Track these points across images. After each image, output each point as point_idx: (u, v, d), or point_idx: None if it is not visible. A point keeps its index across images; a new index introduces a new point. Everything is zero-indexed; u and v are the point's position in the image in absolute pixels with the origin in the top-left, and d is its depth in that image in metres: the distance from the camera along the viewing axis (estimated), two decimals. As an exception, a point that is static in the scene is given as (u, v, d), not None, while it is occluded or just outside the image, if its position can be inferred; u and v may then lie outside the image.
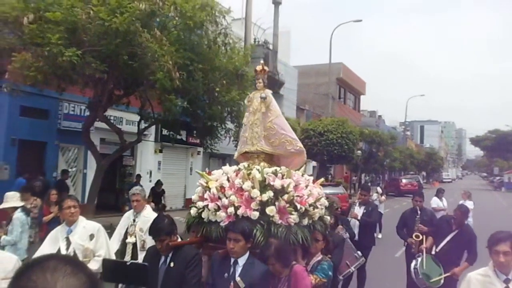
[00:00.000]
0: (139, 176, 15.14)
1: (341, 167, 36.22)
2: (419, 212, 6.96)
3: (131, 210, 5.40)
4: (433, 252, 5.99)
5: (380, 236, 14.68)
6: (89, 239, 4.46)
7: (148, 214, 5.06)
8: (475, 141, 75.11)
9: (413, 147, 66.29)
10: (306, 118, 30.78)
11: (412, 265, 5.83)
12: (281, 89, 23.28)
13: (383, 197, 16.07)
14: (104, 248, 4.54)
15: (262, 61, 4.81)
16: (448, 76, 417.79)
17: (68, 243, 4.40)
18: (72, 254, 4.29)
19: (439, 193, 12.30)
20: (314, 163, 30.22)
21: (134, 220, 5.21)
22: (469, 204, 13.01)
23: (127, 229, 5.21)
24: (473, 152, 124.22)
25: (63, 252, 4.32)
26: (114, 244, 5.17)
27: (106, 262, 3.88)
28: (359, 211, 7.46)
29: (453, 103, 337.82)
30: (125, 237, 5.18)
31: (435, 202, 12.26)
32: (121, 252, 5.11)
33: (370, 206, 7.81)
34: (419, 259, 5.85)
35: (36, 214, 8.78)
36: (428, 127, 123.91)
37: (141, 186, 14.37)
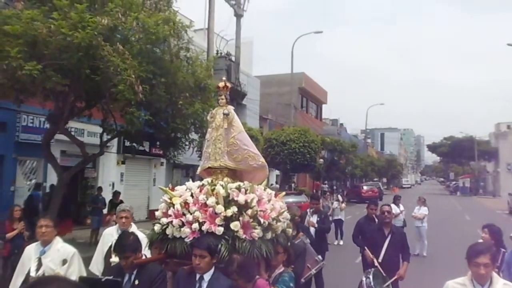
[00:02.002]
0: (100, 189, 14.93)
1: (304, 176, 36.79)
2: (376, 220, 7.32)
3: (114, 227, 5.26)
4: (376, 264, 6.07)
5: (341, 242, 15.12)
6: (61, 264, 4.28)
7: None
8: (432, 148, 77.80)
9: (373, 154, 68.09)
10: (269, 127, 31.15)
11: (365, 281, 5.74)
12: (244, 100, 23.55)
13: (344, 205, 16.55)
14: (75, 275, 4.31)
15: (224, 78, 4.91)
16: (407, 85, 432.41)
17: (39, 264, 4.25)
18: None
19: (396, 200, 12.83)
20: (277, 172, 30.57)
21: None
22: (424, 210, 13.66)
23: (110, 247, 4.92)
24: (431, 158, 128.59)
25: (32, 274, 4.20)
26: (99, 263, 5.04)
27: (81, 278, 3.88)
28: (313, 219, 7.84)
29: (412, 111, 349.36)
30: (109, 255, 4.93)
31: (392, 209, 12.77)
32: (106, 271, 4.76)
33: (322, 214, 8.40)
34: (371, 276, 5.82)
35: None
36: (388, 134, 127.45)
37: (103, 198, 14.29)
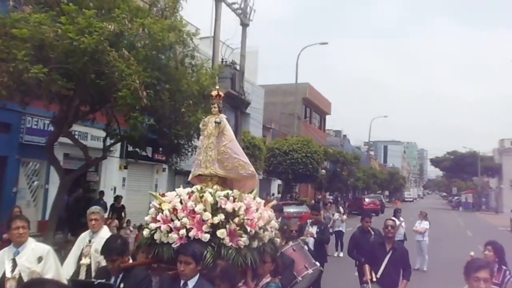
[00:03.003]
0: (102, 193, 14.98)
1: (306, 186, 36.74)
2: (372, 232, 7.30)
3: (88, 231, 5.26)
4: (374, 279, 5.97)
5: (341, 254, 15.06)
6: (37, 262, 4.29)
7: (105, 235, 4.90)
8: (435, 162, 77.62)
9: (376, 166, 67.92)
10: (272, 136, 31.21)
11: None
12: (248, 108, 23.61)
13: (345, 216, 16.53)
14: (52, 272, 4.33)
15: (217, 87, 5.01)
16: (411, 97, 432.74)
17: (14, 265, 4.25)
18: (17, 276, 4.16)
19: (396, 213, 12.81)
20: (279, 182, 30.57)
21: (90, 241, 5.07)
22: (425, 224, 13.64)
23: (82, 249, 5.05)
24: (434, 172, 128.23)
25: (8, 274, 4.19)
26: (70, 266, 5.03)
27: (73, 282, 3.88)
28: (312, 230, 7.82)
29: (416, 124, 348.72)
30: (80, 258, 5.01)
31: (394, 222, 12.75)
32: (75, 273, 4.94)
33: (322, 225, 8.34)
34: None
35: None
36: (391, 147, 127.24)
37: (105, 202, 14.32)
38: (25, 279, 4.09)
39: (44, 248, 4.45)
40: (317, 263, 6.21)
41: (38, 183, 14.36)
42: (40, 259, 4.31)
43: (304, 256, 5.81)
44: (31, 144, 13.34)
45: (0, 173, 13.07)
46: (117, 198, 14.25)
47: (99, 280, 3.59)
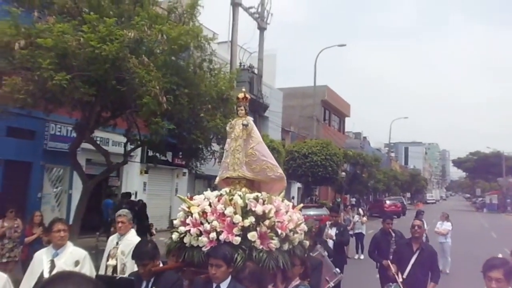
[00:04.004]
0: (125, 196, 15.18)
1: (326, 189, 36.54)
2: (393, 234, 7.25)
3: (117, 233, 5.37)
4: (400, 280, 5.83)
5: (362, 257, 14.94)
6: (74, 265, 4.37)
7: (132, 238, 5.04)
8: (458, 163, 76.30)
9: (397, 168, 67.09)
10: (291, 139, 31.17)
11: None
12: (266, 112, 23.68)
13: (365, 218, 16.39)
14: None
15: (244, 89, 4.97)
16: (432, 98, 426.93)
17: (52, 266, 4.34)
18: None
19: (419, 215, 12.63)
20: (298, 185, 30.47)
21: (117, 243, 5.15)
22: (447, 225, 13.43)
23: (109, 251, 5.17)
24: (456, 173, 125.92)
25: (46, 275, 4.24)
26: (102, 267, 5.16)
27: (97, 276, 3.98)
28: (331, 231, 7.81)
29: (438, 125, 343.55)
30: (107, 259, 5.11)
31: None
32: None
33: (341, 226, 8.35)
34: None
35: (19, 234, 8.87)
36: (412, 148, 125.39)
37: (125, 206, 14.53)
38: None
39: (81, 253, 4.56)
40: (338, 270, 6.17)
41: (61, 188, 14.69)
42: (77, 263, 4.40)
43: (326, 267, 5.77)
44: (54, 150, 13.67)
45: (26, 179, 13.43)
46: (126, 195, 14.53)
47: (120, 275, 3.65)
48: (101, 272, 5.05)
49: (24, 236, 8.78)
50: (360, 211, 17.49)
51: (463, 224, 26.96)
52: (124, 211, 5.51)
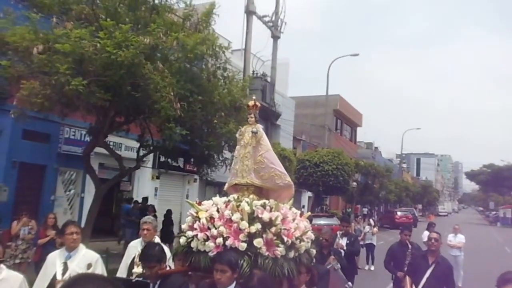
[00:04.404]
0: (137, 203, 15.30)
1: (337, 198, 36.35)
2: (409, 246, 7.15)
3: (139, 240, 5.36)
4: None
5: (372, 268, 14.81)
6: (86, 268, 4.41)
7: None
8: (471, 175, 75.46)
9: (408, 179, 66.51)
10: (302, 148, 31.13)
11: None
12: (278, 120, 23.70)
13: (375, 229, 16.26)
14: None
15: (254, 97, 5.00)
16: (445, 110, 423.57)
17: (65, 268, 4.38)
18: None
19: (430, 227, 12.50)
20: (309, 194, 30.38)
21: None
22: (461, 238, 13.26)
23: (133, 258, 5.11)
24: (469, 186, 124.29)
25: (59, 277, 4.31)
26: (122, 274, 5.15)
27: (114, 278, 4.00)
28: (342, 241, 7.76)
29: (450, 137, 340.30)
30: (132, 267, 5.08)
31: (425, 236, 12.46)
32: None
33: (352, 236, 8.30)
34: None
35: (33, 236, 8.98)
36: (424, 160, 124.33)
37: (137, 210, 14.63)
38: None
39: (94, 256, 4.60)
40: (350, 284, 6.10)
41: (74, 191, 14.84)
42: (89, 266, 4.44)
43: (337, 281, 5.72)
44: (68, 154, 13.83)
45: (39, 181, 13.59)
46: (149, 208, 14.57)
47: (136, 278, 3.68)
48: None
49: (38, 237, 8.88)
50: (371, 221, 17.36)
51: (476, 238, 26.58)
52: (149, 218, 5.49)
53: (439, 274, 5.71)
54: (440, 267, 5.76)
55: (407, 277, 5.94)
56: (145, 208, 14.53)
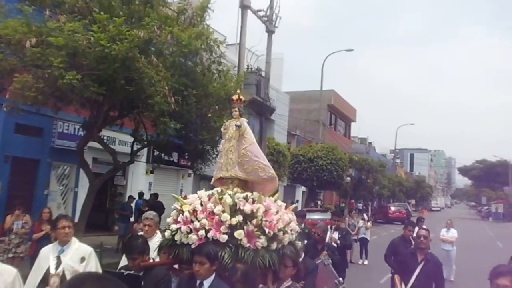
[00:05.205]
0: (131, 197, 15.24)
1: (330, 193, 36.48)
2: (412, 242, 7.16)
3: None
4: None
5: (366, 262, 14.91)
6: (79, 262, 4.40)
7: (158, 241, 4.89)
8: (464, 171, 75.92)
9: (402, 174, 66.81)
10: (296, 143, 31.17)
11: None
12: (272, 115, 23.69)
13: (369, 224, 16.35)
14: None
15: (238, 91, 5.04)
16: (438, 106, 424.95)
17: (59, 262, 4.37)
18: (61, 274, 4.26)
19: (419, 222, 12.58)
20: (303, 188, 30.46)
21: None
22: (453, 232, 13.37)
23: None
24: (462, 181, 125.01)
25: (52, 271, 4.31)
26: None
27: (106, 272, 4.03)
28: (334, 235, 7.82)
29: (443, 132, 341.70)
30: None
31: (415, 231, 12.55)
32: None
33: (343, 230, 8.37)
34: None
35: (27, 230, 8.94)
36: (418, 155, 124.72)
37: (131, 205, 14.61)
38: (68, 277, 4.18)
39: (87, 249, 4.58)
40: (341, 280, 6.10)
41: (68, 186, 14.79)
42: (82, 259, 4.43)
43: (328, 276, 5.72)
44: (62, 148, 13.77)
45: (33, 175, 13.53)
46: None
47: (128, 271, 3.71)
48: None
49: (33, 232, 8.85)
50: (364, 216, 17.46)
51: (468, 232, 26.80)
52: (151, 214, 5.43)
53: (428, 271, 5.68)
54: (430, 264, 5.73)
55: (396, 276, 5.94)
56: (156, 205, 14.14)
